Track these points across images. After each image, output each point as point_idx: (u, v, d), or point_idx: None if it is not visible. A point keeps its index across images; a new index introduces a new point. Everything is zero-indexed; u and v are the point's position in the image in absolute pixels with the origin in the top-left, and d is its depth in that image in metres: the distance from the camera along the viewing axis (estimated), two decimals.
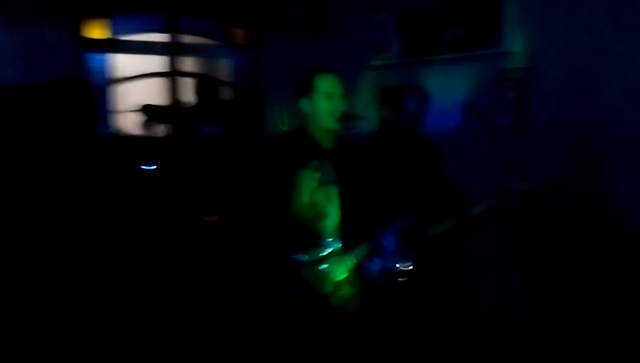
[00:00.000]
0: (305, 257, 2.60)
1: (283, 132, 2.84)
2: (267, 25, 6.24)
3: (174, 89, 6.00)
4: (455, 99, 4.50)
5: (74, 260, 3.01)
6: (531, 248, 3.87)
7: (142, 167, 4.38)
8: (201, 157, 4.54)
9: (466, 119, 4.23)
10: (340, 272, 2.60)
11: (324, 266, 2.60)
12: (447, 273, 3.40)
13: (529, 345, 3.74)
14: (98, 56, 5.73)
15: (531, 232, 3.83)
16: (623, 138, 3.50)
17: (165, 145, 4.88)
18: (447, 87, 4.52)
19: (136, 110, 4.80)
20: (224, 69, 6.40)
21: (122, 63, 5.95)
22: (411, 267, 2.64)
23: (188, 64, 6.17)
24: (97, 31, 5.70)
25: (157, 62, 6.05)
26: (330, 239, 2.63)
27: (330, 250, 2.62)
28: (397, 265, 2.63)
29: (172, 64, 6.02)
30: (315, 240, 2.62)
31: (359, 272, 2.64)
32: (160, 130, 5.14)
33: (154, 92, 5.92)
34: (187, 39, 6.10)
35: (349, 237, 2.64)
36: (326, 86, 2.68)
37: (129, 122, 5.65)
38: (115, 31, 5.79)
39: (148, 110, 4.77)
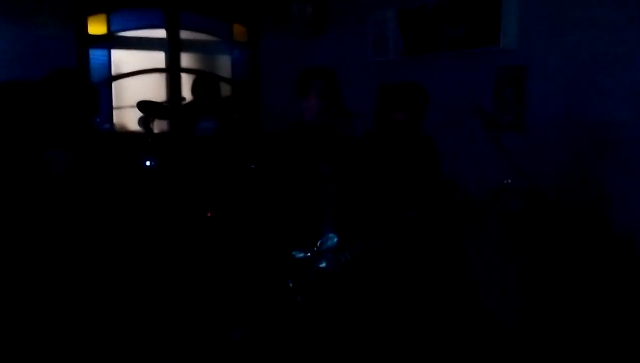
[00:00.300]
0: (302, 254, 2.62)
1: (280, 129, 2.84)
2: (266, 22, 6.24)
3: (173, 85, 6.01)
4: (454, 97, 4.51)
5: (72, 255, 3.02)
6: (529, 247, 3.87)
7: (141, 162, 4.39)
8: (199, 153, 4.54)
9: (465, 116, 4.24)
10: (336, 267, 2.61)
11: (320, 262, 2.61)
12: (446, 270, 3.40)
13: (524, 344, 3.75)
14: (98, 52, 5.75)
15: (529, 230, 3.84)
16: (622, 136, 3.50)
17: (164, 141, 4.88)
18: (446, 85, 4.53)
19: (135, 106, 4.80)
20: (223, 65, 6.40)
21: (122, 59, 5.96)
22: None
23: (187, 60, 6.18)
24: (97, 27, 5.71)
25: (156, 58, 6.06)
26: (327, 235, 2.64)
27: (326, 246, 2.63)
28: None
29: (172, 59, 6.03)
30: (312, 236, 2.63)
31: (353, 267, 2.65)
32: (158, 126, 5.16)
33: (153, 88, 5.93)
34: (187, 35, 6.11)
35: (345, 233, 2.65)
36: (321, 83, 2.70)
37: (128, 118, 5.67)
38: (115, 27, 5.80)
39: (146, 106, 4.78)
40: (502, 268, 4.00)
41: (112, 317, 3.22)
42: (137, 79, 5.92)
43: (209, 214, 4.26)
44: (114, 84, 5.86)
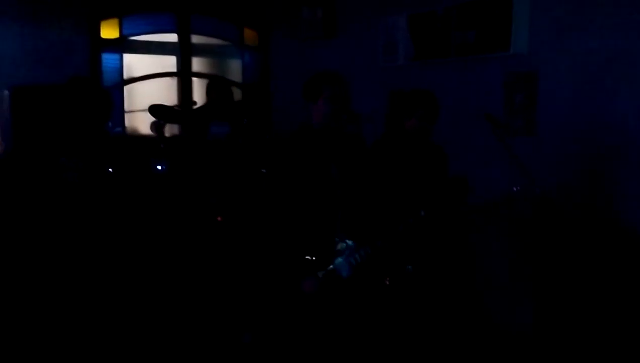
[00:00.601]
0: (315, 257, 2.61)
1: (290, 133, 2.85)
2: (276, 26, 6.26)
3: (184, 89, 6.05)
4: (465, 102, 4.51)
5: (85, 259, 3.04)
6: (539, 253, 3.86)
7: (152, 166, 4.42)
8: (209, 157, 4.56)
9: (475, 122, 4.24)
10: (347, 269, 2.61)
11: (332, 265, 2.61)
12: (455, 274, 3.39)
13: (533, 350, 3.73)
14: (111, 56, 5.80)
15: (539, 237, 3.83)
16: (632, 141, 3.49)
17: (175, 145, 4.91)
18: (457, 90, 4.53)
19: (147, 110, 4.84)
20: (234, 68, 6.43)
21: (134, 63, 6.00)
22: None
23: (199, 64, 6.22)
24: (110, 31, 5.76)
25: (168, 62, 6.10)
26: (338, 238, 2.64)
27: (338, 248, 2.63)
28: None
29: (183, 64, 6.07)
30: (323, 239, 2.64)
31: (361, 269, 2.65)
32: (169, 130, 5.18)
33: (164, 92, 5.96)
34: (198, 39, 6.14)
35: (356, 235, 2.65)
36: (333, 89, 2.70)
37: (140, 122, 5.70)
38: (128, 31, 5.85)
39: (158, 110, 4.81)
40: (511, 274, 3.99)
41: (123, 320, 3.24)
42: (148, 83, 5.96)
43: (219, 219, 4.27)
44: (126, 88, 5.90)
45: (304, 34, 6.03)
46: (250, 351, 3.44)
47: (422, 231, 2.78)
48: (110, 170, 3.09)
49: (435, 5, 4.72)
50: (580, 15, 3.72)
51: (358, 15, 5.71)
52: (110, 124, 5.67)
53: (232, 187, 4.37)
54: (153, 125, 4.83)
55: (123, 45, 5.84)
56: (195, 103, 5.52)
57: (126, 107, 5.88)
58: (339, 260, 2.60)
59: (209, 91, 5.10)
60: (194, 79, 6.10)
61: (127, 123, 5.88)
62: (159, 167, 4.46)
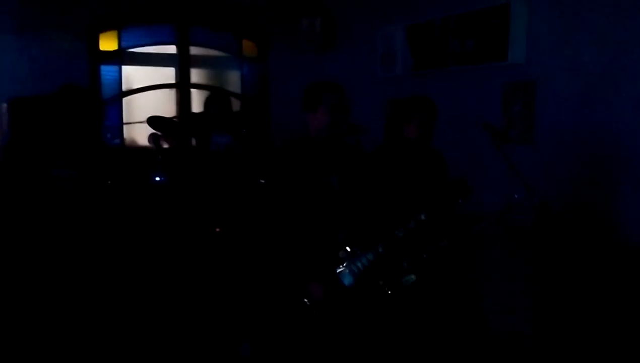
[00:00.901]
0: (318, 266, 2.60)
1: (289, 143, 2.85)
2: (275, 37, 6.29)
3: (183, 101, 6.06)
4: (463, 112, 4.51)
5: (81, 271, 3.03)
6: (538, 262, 3.85)
7: (151, 178, 4.41)
8: (208, 168, 4.56)
9: (473, 131, 4.24)
10: (350, 278, 2.60)
11: (335, 273, 2.60)
12: (454, 287, 3.38)
13: (533, 359, 3.71)
14: (109, 68, 5.81)
15: (538, 246, 3.82)
16: (630, 149, 3.49)
17: (173, 157, 4.91)
18: (455, 100, 4.53)
19: (145, 122, 4.84)
20: (233, 80, 6.45)
21: (133, 75, 6.02)
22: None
23: (197, 75, 6.23)
24: (108, 43, 5.78)
25: (166, 74, 6.12)
26: (340, 246, 2.63)
27: (340, 256, 2.62)
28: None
29: (182, 75, 6.08)
30: (325, 248, 2.63)
31: (363, 278, 2.63)
32: (168, 141, 5.17)
33: (163, 104, 5.97)
34: (197, 50, 6.16)
35: (357, 244, 2.64)
36: (333, 99, 2.69)
37: (139, 134, 5.71)
38: (126, 43, 5.87)
39: (156, 122, 4.81)
40: (511, 284, 3.98)
41: (120, 332, 3.22)
42: (147, 94, 5.98)
43: (217, 230, 4.26)
44: (125, 100, 5.91)
45: (302, 45, 6.05)
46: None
47: (424, 234, 2.76)
48: (108, 182, 3.09)
49: (432, 16, 4.74)
50: (578, 25, 3.73)
51: (356, 26, 5.74)
52: (109, 135, 5.70)
53: (230, 198, 4.37)
54: (151, 137, 4.82)
55: (122, 57, 5.85)
56: (194, 114, 5.53)
57: (125, 118, 5.89)
58: (342, 268, 2.59)
59: (208, 104, 5.11)
60: (193, 90, 6.11)
61: (125, 135, 5.89)
62: (158, 179, 4.45)
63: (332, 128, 2.69)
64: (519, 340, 3.91)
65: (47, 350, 3.01)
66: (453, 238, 2.88)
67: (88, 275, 3.05)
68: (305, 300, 2.56)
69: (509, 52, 4.07)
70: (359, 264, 2.59)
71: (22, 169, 3.04)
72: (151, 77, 6.05)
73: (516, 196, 2.95)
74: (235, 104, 6.18)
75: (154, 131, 4.81)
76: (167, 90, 6.08)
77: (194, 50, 6.12)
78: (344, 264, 2.60)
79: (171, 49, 6.07)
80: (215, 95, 5.43)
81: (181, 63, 6.07)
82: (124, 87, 5.90)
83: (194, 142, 5.03)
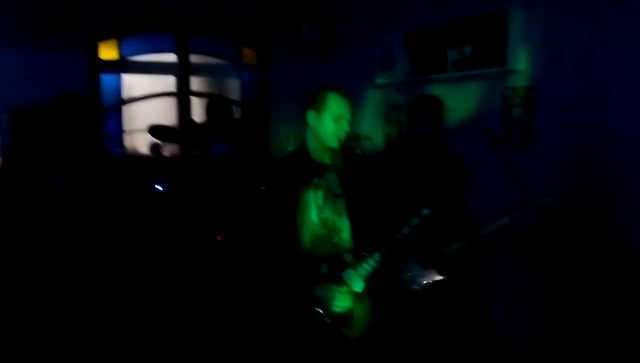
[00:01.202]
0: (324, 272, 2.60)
1: (288, 151, 2.85)
2: (275, 45, 6.31)
3: (183, 109, 6.07)
4: (462, 118, 4.52)
5: (81, 277, 3.04)
6: (540, 265, 3.85)
7: (151, 187, 4.42)
8: (209, 176, 4.57)
9: (473, 137, 4.25)
10: (356, 284, 2.59)
11: (341, 279, 2.60)
12: (464, 292, 3.35)
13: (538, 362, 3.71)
14: (110, 77, 5.83)
15: (540, 249, 3.82)
16: (630, 155, 3.50)
17: (174, 166, 4.92)
18: (453, 106, 4.54)
19: (146, 131, 4.85)
20: (233, 88, 6.47)
21: (133, 83, 6.03)
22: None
23: (197, 83, 6.25)
24: (108, 52, 5.80)
25: (166, 82, 6.14)
26: (344, 253, 2.63)
27: (345, 263, 2.62)
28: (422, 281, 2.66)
29: (182, 83, 6.10)
30: (324, 257, 2.63)
31: (372, 282, 2.63)
32: (169, 150, 5.19)
33: (163, 112, 5.99)
34: (197, 58, 6.18)
35: (361, 249, 2.64)
36: (336, 107, 2.68)
37: (139, 142, 5.72)
38: (126, 52, 5.89)
39: (157, 130, 4.82)
40: (514, 289, 3.98)
41: (122, 339, 3.22)
42: (147, 103, 5.99)
43: (218, 238, 4.27)
44: (125, 108, 5.92)
45: (302, 52, 6.07)
46: None
47: (428, 228, 2.74)
48: (109, 189, 3.10)
49: (431, 22, 4.75)
50: (577, 30, 3.74)
51: (355, 33, 5.76)
52: (109, 143, 5.71)
53: (231, 205, 4.37)
54: (152, 146, 4.84)
55: (122, 65, 5.87)
56: (194, 122, 5.54)
57: (125, 127, 5.90)
58: (349, 272, 2.59)
59: (209, 111, 5.12)
60: (193, 99, 6.13)
61: (126, 143, 5.90)
62: (159, 187, 4.46)
63: (334, 136, 2.69)
64: (523, 345, 3.91)
65: (49, 353, 3.01)
66: (471, 238, 2.86)
67: (89, 281, 3.06)
68: (318, 308, 2.55)
69: (508, 57, 4.09)
70: (366, 266, 2.59)
71: (23, 177, 3.05)
72: (151, 85, 6.07)
73: (530, 201, 2.93)
74: (236, 112, 6.20)
75: (154, 140, 4.82)
76: (167, 98, 6.10)
77: (194, 59, 6.14)
78: (351, 267, 2.60)
79: (171, 58, 6.09)
80: (216, 101, 5.44)
81: (181, 71, 6.09)
82: (124, 96, 5.91)
83: (195, 150, 5.04)
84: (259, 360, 3.38)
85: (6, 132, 4.80)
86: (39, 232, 3.00)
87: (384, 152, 3.45)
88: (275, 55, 6.30)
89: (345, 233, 2.66)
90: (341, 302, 2.56)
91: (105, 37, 5.73)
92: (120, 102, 5.88)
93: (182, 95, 6.10)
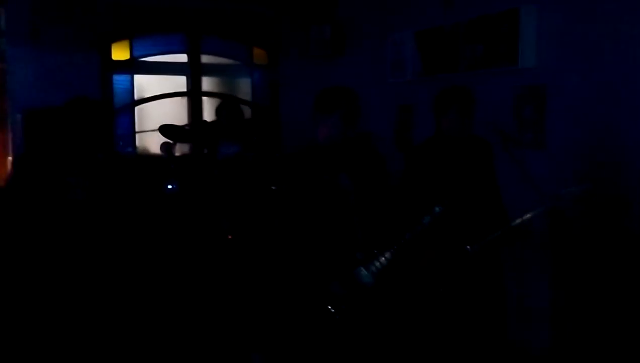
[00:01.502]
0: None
1: (301, 149, 2.85)
2: (285, 45, 6.32)
3: (194, 109, 6.10)
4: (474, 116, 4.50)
5: (93, 278, 3.06)
6: (554, 264, 3.83)
7: (163, 186, 4.44)
8: (220, 176, 4.59)
9: (485, 136, 4.23)
10: (370, 278, 2.59)
11: (352, 277, 2.59)
12: (488, 285, 3.31)
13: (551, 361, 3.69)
14: (121, 77, 5.87)
15: (554, 248, 3.80)
16: None
17: (185, 165, 4.94)
18: None
19: (157, 130, 4.88)
20: (244, 88, 6.49)
21: (145, 84, 6.07)
22: None
23: (209, 83, 6.28)
24: (120, 53, 5.84)
25: (178, 82, 6.17)
26: (357, 246, 2.63)
27: (357, 260, 2.62)
28: None
29: (193, 83, 6.13)
30: (342, 251, 2.62)
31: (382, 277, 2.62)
32: (180, 149, 5.21)
33: (175, 112, 6.02)
34: (208, 59, 6.21)
35: (373, 246, 2.64)
36: (350, 108, 2.69)
37: (151, 142, 5.75)
38: (138, 53, 5.93)
39: (168, 130, 4.85)
40: (527, 287, 3.96)
41: (132, 340, 3.24)
42: (159, 103, 6.02)
43: (229, 237, 4.28)
44: (137, 109, 5.96)
45: (312, 52, 6.08)
46: None
47: (439, 228, 2.72)
48: (121, 190, 3.12)
49: (442, 21, 4.74)
50: (589, 29, 3.71)
51: (366, 32, 5.76)
52: (121, 143, 5.75)
53: (242, 205, 4.38)
54: (163, 146, 4.86)
55: (134, 66, 5.91)
56: (206, 122, 5.57)
57: (137, 127, 5.94)
58: (361, 269, 2.59)
59: (219, 111, 5.14)
60: (204, 98, 6.15)
61: (138, 143, 5.94)
62: (170, 187, 4.48)
63: (342, 135, 2.70)
64: (535, 344, 3.89)
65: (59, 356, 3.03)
66: (505, 229, 2.83)
67: (101, 282, 3.08)
68: (330, 307, 2.55)
69: (520, 56, 4.06)
70: (378, 263, 2.58)
71: (36, 178, 3.08)
72: (163, 85, 6.10)
73: (566, 189, 2.85)
74: (246, 112, 6.22)
75: (166, 140, 4.85)
76: (178, 98, 6.13)
77: (205, 59, 6.17)
78: (364, 265, 2.59)
79: (182, 58, 6.12)
80: (226, 102, 5.47)
81: (192, 71, 6.12)
82: (136, 96, 5.95)
83: (205, 150, 5.06)
84: (267, 357, 3.39)
85: (20, 132, 4.84)
86: (51, 232, 3.02)
87: (414, 152, 3.38)
88: (286, 55, 6.32)
89: (356, 229, 2.66)
90: (352, 300, 2.56)
91: (117, 38, 5.77)
92: (132, 103, 5.91)
93: (194, 95, 6.12)
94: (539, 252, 3.86)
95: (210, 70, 6.27)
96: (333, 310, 2.54)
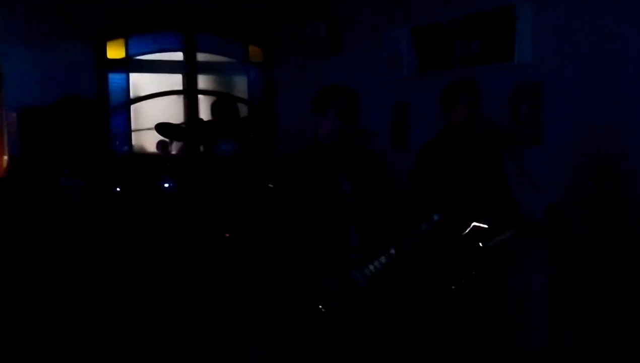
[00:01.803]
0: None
1: (298, 149, 2.85)
2: (281, 43, 6.31)
3: (190, 107, 6.09)
4: None
5: (89, 278, 3.05)
6: (552, 262, 3.83)
7: (160, 184, 4.43)
8: (216, 174, 4.58)
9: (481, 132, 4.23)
10: (364, 281, 2.59)
11: (346, 278, 2.60)
12: (491, 285, 3.30)
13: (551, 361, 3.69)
14: (117, 76, 5.85)
15: (552, 247, 3.80)
16: (639, 149, 3.47)
17: (182, 163, 4.93)
18: None
19: (154, 129, 4.87)
20: (240, 85, 6.48)
21: (140, 82, 6.05)
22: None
23: (204, 81, 6.26)
24: (116, 51, 5.83)
25: (174, 80, 6.15)
26: (353, 249, 2.63)
27: (351, 262, 2.62)
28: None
29: (189, 81, 6.11)
30: (337, 252, 2.62)
31: (376, 280, 2.63)
32: (176, 147, 5.21)
33: (171, 110, 6.00)
34: (204, 56, 6.19)
35: (368, 249, 2.64)
36: (345, 103, 2.70)
37: (147, 140, 5.74)
38: (133, 51, 5.91)
39: (164, 128, 4.83)
40: (525, 286, 3.96)
41: (130, 340, 3.23)
42: (155, 101, 6.01)
43: (227, 235, 4.28)
44: (133, 107, 5.95)
45: (308, 49, 6.07)
46: None
47: (437, 235, 2.72)
48: (117, 189, 3.11)
49: (438, 18, 4.73)
50: (584, 24, 3.72)
51: (361, 29, 5.75)
52: (117, 142, 5.74)
53: (239, 203, 4.38)
54: (159, 144, 4.85)
55: (129, 64, 5.89)
56: (202, 120, 5.55)
57: (133, 126, 5.93)
58: (355, 272, 2.59)
59: (215, 108, 5.13)
60: (200, 96, 6.14)
61: (134, 142, 5.92)
62: (167, 185, 4.47)
63: (340, 132, 2.70)
64: (535, 344, 3.89)
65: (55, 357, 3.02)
66: (520, 227, 2.81)
67: (97, 281, 3.07)
68: (321, 306, 2.55)
69: (515, 52, 4.06)
70: (372, 267, 2.59)
71: (31, 178, 3.06)
72: (158, 84, 6.09)
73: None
74: (242, 110, 6.21)
75: (162, 138, 4.83)
76: (174, 96, 6.12)
77: (201, 57, 6.16)
78: (358, 267, 2.60)
79: (178, 56, 6.10)
80: (221, 99, 5.45)
81: (188, 69, 6.10)
82: (132, 95, 5.94)
83: (201, 148, 5.05)
84: (266, 354, 3.39)
85: (15, 131, 4.82)
86: (46, 233, 3.01)
87: (427, 150, 3.32)
88: (282, 53, 6.31)
89: (353, 231, 2.66)
90: (345, 300, 2.56)
91: (112, 36, 5.76)
92: (127, 101, 5.90)
93: (190, 94, 6.11)
94: (538, 251, 3.86)
95: (206, 68, 6.25)
96: (322, 308, 2.55)
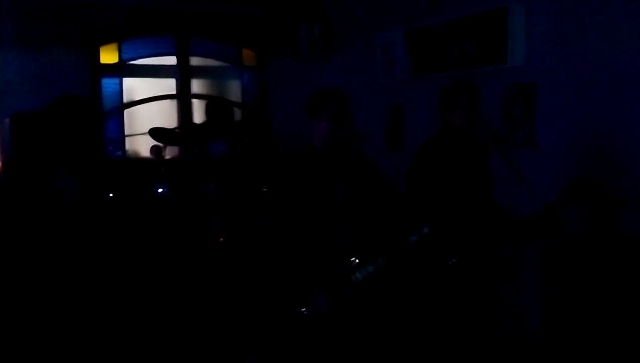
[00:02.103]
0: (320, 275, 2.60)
1: (292, 151, 2.85)
2: (275, 46, 6.31)
3: (184, 111, 6.07)
4: None
5: (84, 282, 3.03)
6: (545, 260, 3.83)
7: (154, 189, 4.42)
8: (210, 177, 4.57)
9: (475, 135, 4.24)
10: (348, 288, 2.59)
11: (332, 285, 2.60)
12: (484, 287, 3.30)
13: (544, 357, 3.69)
14: (110, 80, 5.83)
15: (544, 249, 3.80)
16: (634, 149, 3.48)
17: (175, 168, 4.92)
18: None
19: (147, 133, 4.86)
20: (234, 89, 6.47)
21: (134, 86, 6.04)
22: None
23: (198, 85, 6.25)
24: (109, 56, 5.81)
25: (167, 85, 6.14)
26: (342, 256, 2.63)
27: (339, 269, 2.62)
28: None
29: (183, 86, 6.10)
30: (327, 257, 2.62)
31: (375, 284, 2.63)
32: (170, 152, 5.19)
33: (165, 115, 5.99)
34: (197, 60, 6.18)
35: (357, 256, 2.64)
36: (336, 107, 2.70)
37: (141, 145, 5.72)
38: (127, 55, 5.89)
39: (158, 133, 4.83)
40: (518, 283, 3.96)
41: (124, 343, 3.22)
42: (148, 106, 5.99)
43: (221, 239, 4.27)
44: (126, 112, 5.93)
45: (302, 53, 6.07)
46: None
47: (427, 248, 2.74)
48: (110, 194, 3.09)
49: (431, 21, 4.74)
50: (577, 25, 3.73)
51: (355, 32, 5.75)
52: (111, 147, 5.72)
53: (233, 207, 4.37)
54: (153, 149, 4.84)
55: (122, 69, 5.87)
56: (195, 124, 5.55)
57: (127, 130, 5.90)
58: (345, 277, 2.59)
59: (208, 111, 5.12)
60: (194, 101, 6.13)
61: (127, 146, 5.90)
62: (160, 190, 4.46)
63: (332, 136, 2.70)
64: (528, 340, 3.89)
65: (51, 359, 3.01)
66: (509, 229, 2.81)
67: (92, 285, 3.05)
68: (304, 309, 2.55)
69: (509, 54, 4.08)
70: (358, 274, 2.60)
71: (25, 182, 3.04)
72: (152, 88, 6.07)
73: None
74: (237, 113, 6.20)
75: (156, 142, 4.83)
76: (168, 101, 6.10)
77: (195, 61, 6.14)
78: (345, 273, 2.60)
79: (172, 60, 6.09)
80: (215, 102, 5.44)
81: (182, 74, 6.09)
82: (125, 99, 5.91)
83: (196, 151, 5.05)
84: (261, 359, 3.38)
85: (8, 136, 4.80)
86: (43, 237, 3.00)
87: (425, 146, 3.32)
88: (275, 56, 6.30)
89: (342, 238, 2.66)
90: (330, 305, 2.56)
91: (106, 40, 5.73)
92: (121, 106, 5.87)
93: (183, 98, 6.09)
94: (530, 252, 3.86)
95: (199, 72, 6.24)
96: (307, 313, 2.55)
